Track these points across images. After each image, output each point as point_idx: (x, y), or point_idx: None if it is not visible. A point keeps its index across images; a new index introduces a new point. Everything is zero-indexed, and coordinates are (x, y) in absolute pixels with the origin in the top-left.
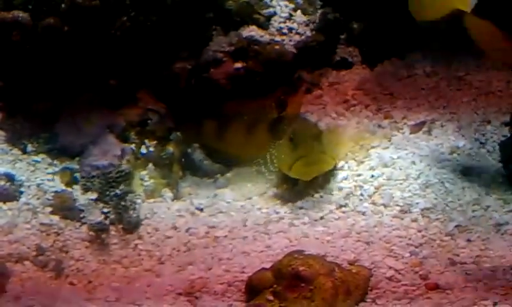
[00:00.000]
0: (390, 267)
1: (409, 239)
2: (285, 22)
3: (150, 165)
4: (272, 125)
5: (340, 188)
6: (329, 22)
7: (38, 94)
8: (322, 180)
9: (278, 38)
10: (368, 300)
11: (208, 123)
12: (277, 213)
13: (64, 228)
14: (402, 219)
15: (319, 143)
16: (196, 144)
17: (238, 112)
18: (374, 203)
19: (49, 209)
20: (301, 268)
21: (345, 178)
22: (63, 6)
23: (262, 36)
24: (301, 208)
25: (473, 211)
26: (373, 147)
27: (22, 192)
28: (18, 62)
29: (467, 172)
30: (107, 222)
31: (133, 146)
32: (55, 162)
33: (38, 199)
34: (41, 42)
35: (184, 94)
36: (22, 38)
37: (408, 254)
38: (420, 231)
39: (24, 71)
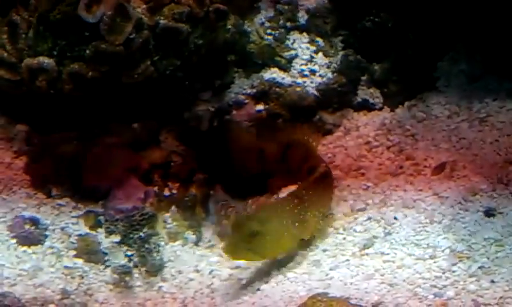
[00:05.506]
0: None
1: (433, 281)
2: (306, 64)
3: (173, 207)
4: None
5: (363, 230)
6: (350, 64)
7: (63, 139)
8: (344, 222)
9: (299, 80)
10: None
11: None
12: (301, 254)
13: (88, 271)
14: (425, 260)
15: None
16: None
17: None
18: (397, 245)
19: (73, 252)
20: None
21: (368, 219)
22: (87, 52)
23: (283, 78)
24: (324, 250)
25: (497, 252)
26: (395, 189)
27: (46, 236)
28: (43, 107)
29: (490, 213)
30: (130, 265)
31: (156, 188)
32: (79, 205)
33: (63, 242)
34: (66, 87)
35: (207, 136)
36: (47, 84)
37: (431, 296)
38: (443, 272)
39: (48, 115)
